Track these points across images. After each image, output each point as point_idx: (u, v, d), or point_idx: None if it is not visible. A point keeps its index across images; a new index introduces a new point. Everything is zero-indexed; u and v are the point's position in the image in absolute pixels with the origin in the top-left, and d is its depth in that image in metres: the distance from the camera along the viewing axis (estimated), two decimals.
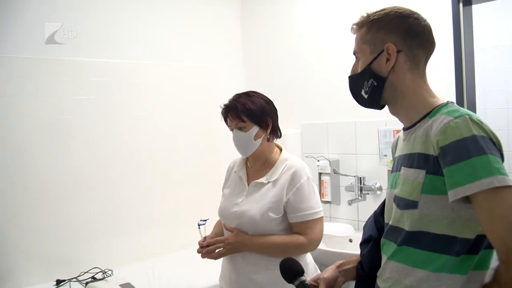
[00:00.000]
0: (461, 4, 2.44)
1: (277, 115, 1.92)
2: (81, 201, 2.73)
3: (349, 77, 1.27)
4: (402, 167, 1.17)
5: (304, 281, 1.26)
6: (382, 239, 1.24)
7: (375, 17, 1.19)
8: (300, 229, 1.77)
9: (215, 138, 3.29)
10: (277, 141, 1.95)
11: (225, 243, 1.79)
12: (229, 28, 3.61)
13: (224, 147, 3.24)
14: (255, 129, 1.81)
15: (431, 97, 1.18)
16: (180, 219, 3.05)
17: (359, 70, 1.22)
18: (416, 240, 1.11)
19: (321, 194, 2.99)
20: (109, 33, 2.88)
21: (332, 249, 2.60)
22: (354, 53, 1.25)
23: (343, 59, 2.90)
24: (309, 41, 3.20)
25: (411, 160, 1.14)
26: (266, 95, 1.93)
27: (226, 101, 1.89)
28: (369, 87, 1.19)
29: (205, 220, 1.86)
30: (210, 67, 3.39)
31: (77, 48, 2.72)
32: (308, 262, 1.90)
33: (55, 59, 2.63)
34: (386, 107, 1.24)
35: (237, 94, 1.89)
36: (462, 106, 2.41)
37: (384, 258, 1.22)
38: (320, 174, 3.00)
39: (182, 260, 2.84)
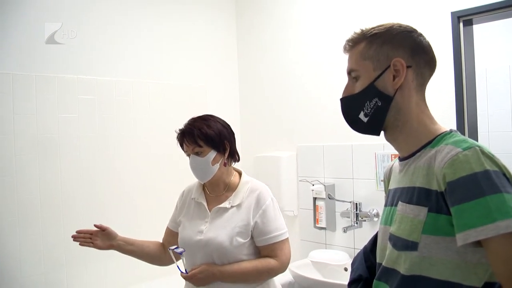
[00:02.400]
0: (461, 24, 2.35)
1: (235, 139, 1.88)
2: (68, 223, 2.57)
3: (343, 98, 1.12)
4: (400, 202, 1.04)
5: None
6: (374, 280, 1.11)
7: (376, 32, 1.07)
8: (270, 252, 1.72)
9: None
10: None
11: (194, 279, 1.69)
12: (224, 48, 3.51)
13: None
14: (212, 154, 1.76)
15: (433, 124, 1.06)
16: None
17: (357, 90, 1.07)
18: (414, 285, 0.97)
19: (315, 220, 2.86)
20: (97, 50, 2.77)
21: (327, 280, 2.46)
22: (349, 72, 1.10)
23: (340, 79, 2.82)
24: (306, 61, 3.10)
25: (410, 195, 1.01)
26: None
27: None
28: (371, 108, 1.04)
29: (178, 247, 1.73)
30: (201, 86, 3.29)
31: (64, 65, 2.62)
32: (277, 285, 1.83)
33: (40, 75, 2.52)
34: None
35: (192, 119, 1.83)
36: (463, 129, 2.31)
37: None
38: (314, 199, 2.87)
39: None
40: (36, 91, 2.51)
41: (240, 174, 1.88)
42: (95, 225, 1.90)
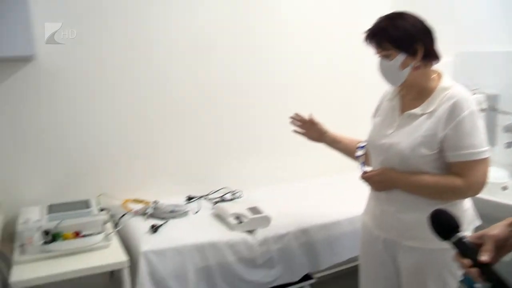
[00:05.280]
0: None
1: (432, 37, 1.60)
2: (217, 120, 2.71)
3: None
4: None
5: (463, 238, 0.97)
6: None
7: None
8: (459, 170, 1.53)
9: (357, 59, 2.88)
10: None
11: (371, 180, 1.65)
12: None
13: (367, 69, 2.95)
14: (401, 57, 1.56)
15: None
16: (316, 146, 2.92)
17: None
18: None
19: None
20: None
21: (482, 196, 2.27)
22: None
23: None
24: None
25: None
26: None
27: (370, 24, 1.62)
28: None
29: (363, 147, 1.71)
30: None
31: None
32: (466, 208, 1.66)
33: None
34: None
35: (380, 18, 1.61)
36: None
37: None
38: None
39: (316, 190, 2.76)
40: None
41: (441, 77, 1.65)
42: (308, 117, 2.00)
